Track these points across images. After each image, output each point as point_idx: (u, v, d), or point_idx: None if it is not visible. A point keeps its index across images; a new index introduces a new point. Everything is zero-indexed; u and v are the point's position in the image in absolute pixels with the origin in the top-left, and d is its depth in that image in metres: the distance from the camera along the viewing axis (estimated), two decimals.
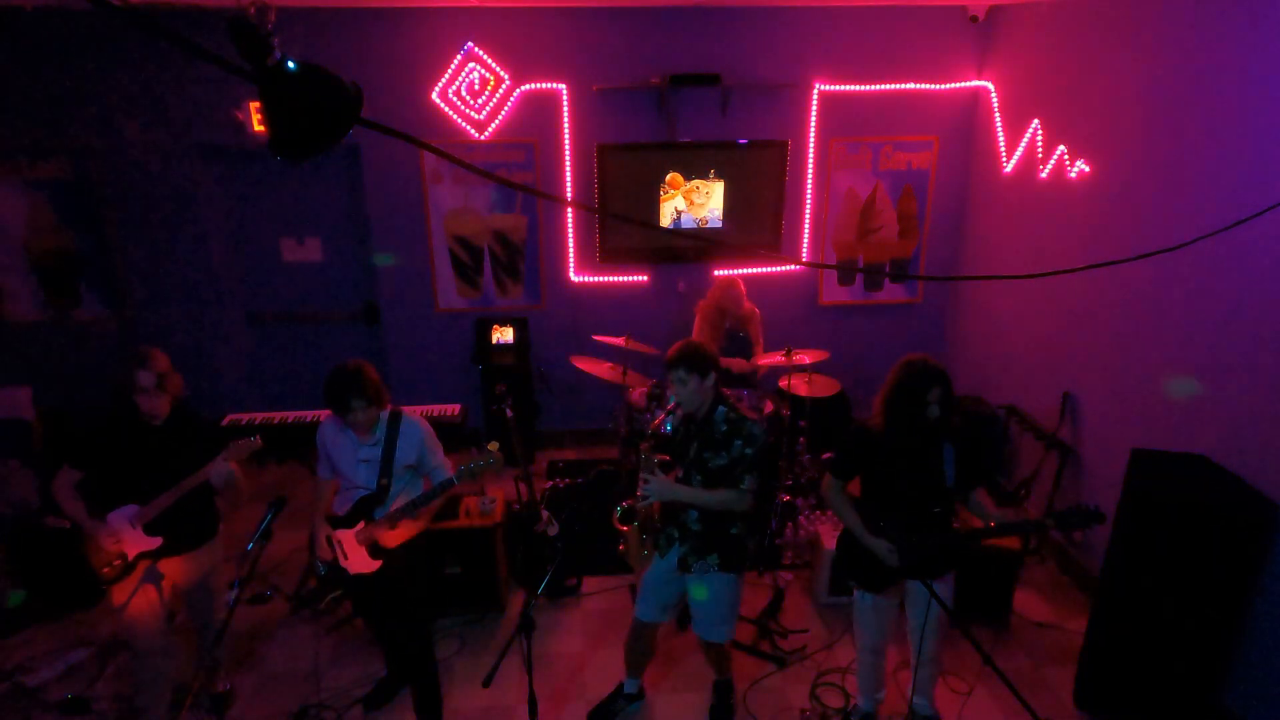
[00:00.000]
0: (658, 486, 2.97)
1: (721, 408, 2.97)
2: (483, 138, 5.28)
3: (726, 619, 3.19)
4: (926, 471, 2.89)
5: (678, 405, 3.01)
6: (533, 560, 4.26)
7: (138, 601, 3.10)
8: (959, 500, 3.02)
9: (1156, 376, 3.83)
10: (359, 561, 3.14)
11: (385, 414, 3.11)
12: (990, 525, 2.95)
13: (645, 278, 5.72)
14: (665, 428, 3.15)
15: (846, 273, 5.89)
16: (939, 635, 3.14)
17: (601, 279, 5.69)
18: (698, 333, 5.17)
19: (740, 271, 5.28)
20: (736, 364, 4.97)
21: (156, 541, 3.05)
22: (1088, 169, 4.29)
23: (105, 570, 3.04)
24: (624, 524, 3.13)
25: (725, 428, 2.94)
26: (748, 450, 2.92)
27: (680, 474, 3.07)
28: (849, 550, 3.11)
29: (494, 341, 5.58)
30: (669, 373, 2.93)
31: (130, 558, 3.04)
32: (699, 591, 3.13)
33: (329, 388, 2.93)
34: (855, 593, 3.19)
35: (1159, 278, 3.79)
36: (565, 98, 5.24)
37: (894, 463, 2.92)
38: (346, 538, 3.12)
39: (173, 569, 3.17)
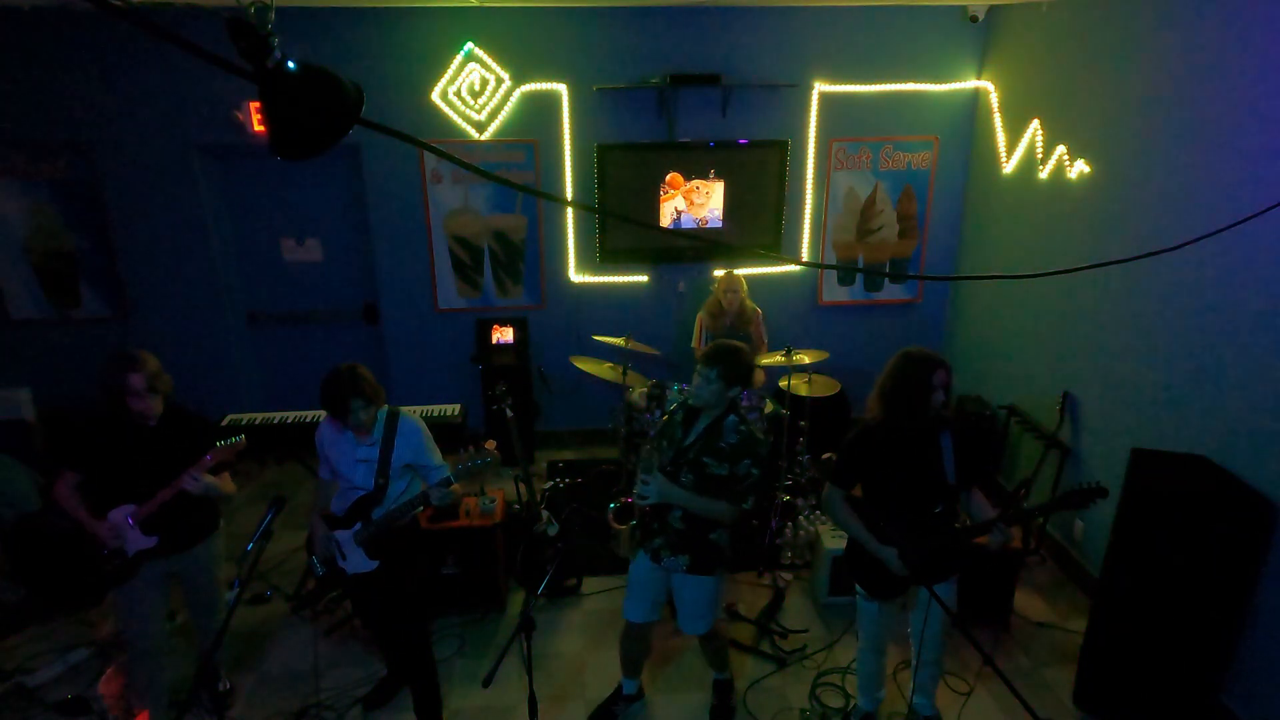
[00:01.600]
0: (657, 487, 2.92)
1: (733, 416, 2.93)
2: (483, 138, 5.28)
3: (703, 615, 3.17)
4: (927, 468, 2.88)
5: (689, 397, 2.97)
6: (533, 560, 4.26)
7: (138, 601, 3.11)
8: (959, 499, 3.01)
9: (1156, 376, 3.83)
10: (357, 562, 3.14)
11: (383, 413, 3.10)
12: (991, 518, 2.92)
13: (645, 278, 5.72)
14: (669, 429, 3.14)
15: (846, 273, 5.89)
16: (941, 637, 3.14)
17: (601, 279, 5.69)
18: (699, 333, 5.18)
19: (740, 271, 5.28)
20: None
21: (153, 540, 3.05)
22: (1088, 169, 4.29)
23: (108, 570, 3.04)
24: (619, 521, 3.11)
25: (735, 439, 2.89)
26: (755, 470, 2.89)
27: (666, 463, 3.02)
28: (856, 555, 3.08)
29: (494, 341, 5.58)
30: (702, 368, 2.87)
31: (129, 556, 3.04)
32: (679, 589, 3.14)
33: (327, 393, 2.91)
34: (859, 593, 3.18)
35: (1159, 278, 3.79)
36: (565, 98, 5.24)
37: (895, 461, 2.90)
38: (344, 538, 3.12)
39: (172, 567, 3.17)
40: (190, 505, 3.10)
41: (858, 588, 3.14)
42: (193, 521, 3.17)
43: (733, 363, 2.84)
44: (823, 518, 4.53)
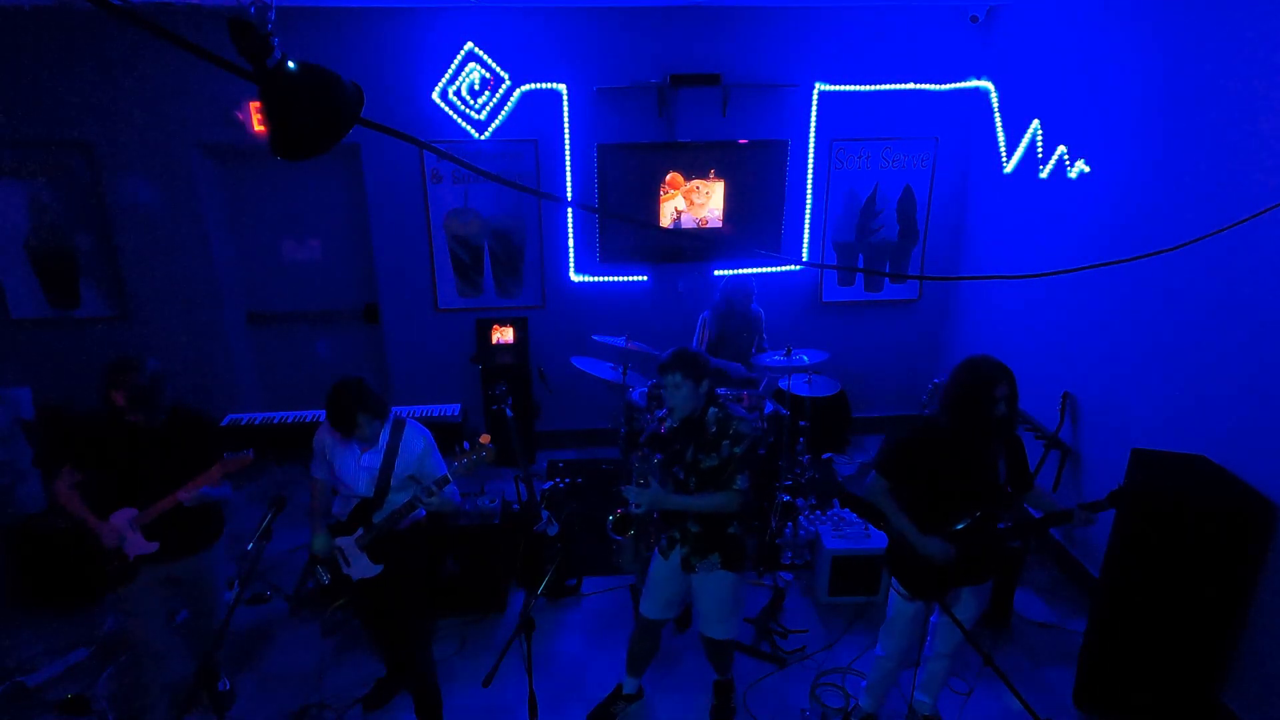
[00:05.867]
0: (649, 496, 2.98)
1: (713, 409, 2.98)
2: (483, 138, 5.28)
3: (729, 616, 3.19)
4: (983, 474, 2.84)
5: (671, 411, 3.00)
6: (533, 560, 4.26)
7: (139, 602, 3.10)
8: (1016, 499, 2.97)
9: (1156, 376, 3.83)
10: (361, 567, 3.13)
11: (388, 421, 3.09)
12: (1059, 513, 2.90)
13: (645, 278, 5.72)
14: (663, 429, 3.15)
15: (847, 272, 5.89)
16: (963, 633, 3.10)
17: (601, 279, 5.69)
18: (702, 334, 5.14)
19: (742, 272, 5.28)
20: (734, 369, 4.96)
21: (154, 546, 3.04)
22: (1088, 169, 4.29)
23: (109, 570, 3.03)
24: (619, 533, 3.12)
25: (714, 429, 2.95)
26: (736, 450, 2.92)
27: (677, 473, 3.05)
28: (899, 552, 3.01)
29: (494, 341, 5.58)
30: (662, 377, 2.92)
31: (129, 560, 3.04)
32: (702, 589, 3.14)
33: (333, 406, 2.89)
34: (893, 598, 3.09)
35: (1158, 278, 3.79)
36: (565, 98, 5.24)
37: (951, 465, 2.83)
38: (348, 545, 3.11)
39: (173, 572, 3.16)
40: (193, 512, 3.09)
41: (897, 585, 3.05)
42: (195, 529, 3.16)
43: (687, 361, 2.89)
44: (823, 517, 4.53)
